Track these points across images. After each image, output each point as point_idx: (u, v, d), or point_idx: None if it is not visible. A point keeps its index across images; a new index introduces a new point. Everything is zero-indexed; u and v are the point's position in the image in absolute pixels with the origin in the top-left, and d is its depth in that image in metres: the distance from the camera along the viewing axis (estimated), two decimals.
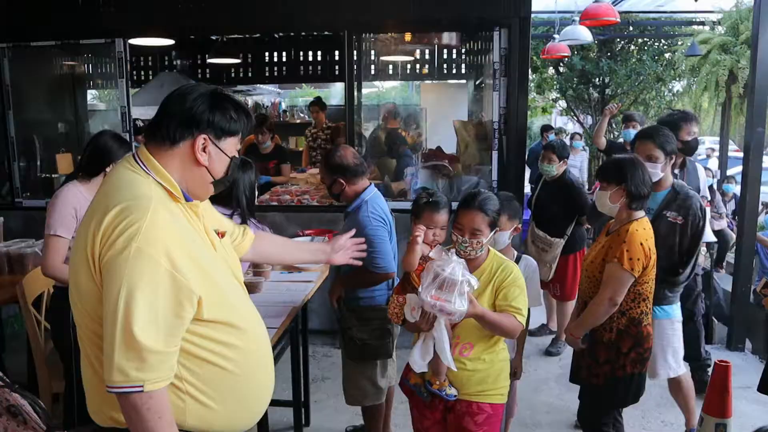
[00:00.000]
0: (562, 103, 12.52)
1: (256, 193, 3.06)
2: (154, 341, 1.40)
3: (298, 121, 9.46)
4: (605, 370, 2.65)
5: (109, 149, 2.86)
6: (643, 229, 2.58)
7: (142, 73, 8.15)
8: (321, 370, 4.38)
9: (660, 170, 2.99)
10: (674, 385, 3.32)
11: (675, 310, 3.12)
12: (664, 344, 3.09)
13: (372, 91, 10.72)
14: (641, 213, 2.66)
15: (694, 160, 4.04)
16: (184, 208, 1.58)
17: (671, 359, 3.12)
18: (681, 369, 3.20)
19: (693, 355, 3.90)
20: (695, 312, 3.70)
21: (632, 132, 5.57)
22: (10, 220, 4.58)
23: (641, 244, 2.53)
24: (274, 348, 2.19)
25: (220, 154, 1.57)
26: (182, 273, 1.44)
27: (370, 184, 3.07)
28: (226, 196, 2.42)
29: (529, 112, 6.30)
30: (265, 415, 2.70)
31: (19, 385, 1.81)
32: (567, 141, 9.58)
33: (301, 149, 8.11)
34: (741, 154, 6.06)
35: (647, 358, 2.68)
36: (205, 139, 1.53)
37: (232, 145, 1.59)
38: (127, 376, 1.39)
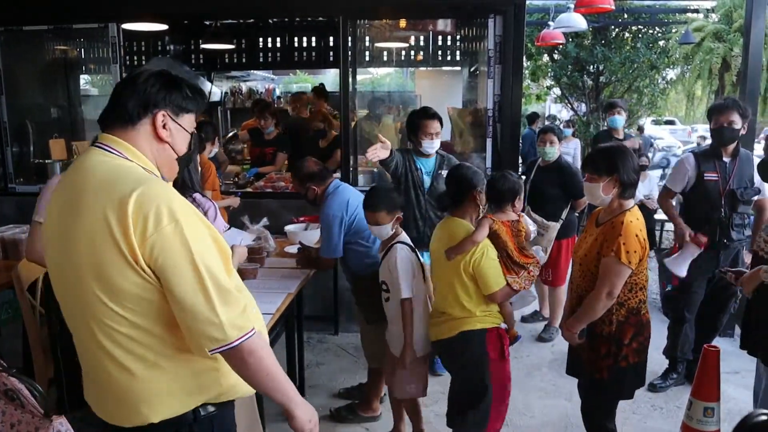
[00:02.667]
0: (557, 91, 12.51)
1: (195, 167, 3.11)
2: (239, 291, 1.48)
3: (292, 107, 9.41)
4: (608, 363, 2.60)
5: None
6: (636, 219, 2.53)
7: (135, 58, 8.08)
8: (315, 356, 4.42)
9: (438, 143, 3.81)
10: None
11: None
12: None
13: (366, 77, 10.66)
14: (631, 202, 2.61)
15: (747, 151, 3.85)
16: None
17: None
18: None
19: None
20: (685, 317, 3.89)
21: (618, 118, 5.61)
22: (3, 205, 4.57)
23: (636, 235, 2.49)
24: (269, 334, 2.21)
25: (180, 130, 1.58)
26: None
27: (334, 179, 3.50)
28: None
29: (523, 100, 6.32)
30: (260, 401, 2.73)
31: (17, 369, 1.83)
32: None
33: None
34: None
35: (647, 345, 2.66)
36: (164, 115, 1.54)
37: (189, 122, 1.61)
38: (241, 328, 1.43)
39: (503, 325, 2.82)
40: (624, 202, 2.58)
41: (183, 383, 1.54)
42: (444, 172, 3.82)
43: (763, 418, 1.35)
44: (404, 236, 3.07)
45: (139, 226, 1.37)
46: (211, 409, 1.59)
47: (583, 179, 2.70)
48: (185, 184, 2.72)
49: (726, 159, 3.67)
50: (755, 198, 3.69)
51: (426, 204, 3.88)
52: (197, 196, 2.84)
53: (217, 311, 1.40)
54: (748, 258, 3.55)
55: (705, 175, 3.67)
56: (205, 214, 2.71)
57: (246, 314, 1.47)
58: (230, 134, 7.96)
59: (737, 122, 3.54)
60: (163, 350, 1.49)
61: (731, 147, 3.64)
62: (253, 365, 1.47)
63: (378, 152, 3.57)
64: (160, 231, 1.38)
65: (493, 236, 2.72)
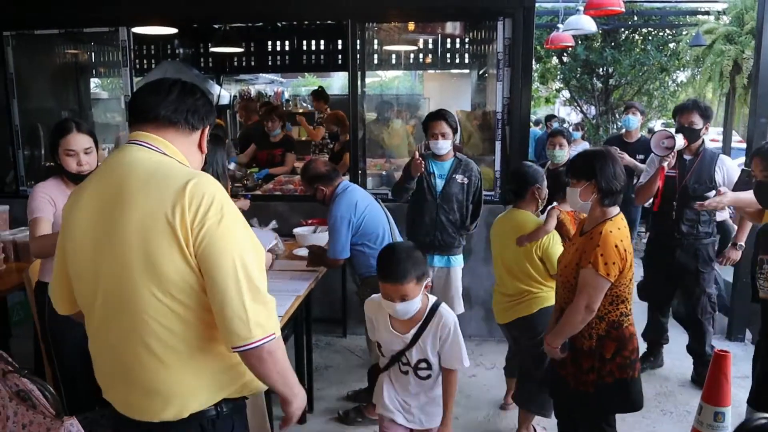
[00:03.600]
0: (566, 94, 12.47)
1: (227, 171, 3.03)
2: (267, 292, 1.54)
3: (301, 110, 9.45)
4: (592, 378, 2.48)
5: None
6: (617, 229, 2.40)
7: (145, 61, 8.13)
8: (323, 359, 4.42)
9: (449, 144, 3.80)
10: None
11: (461, 258, 3.92)
12: (458, 286, 3.90)
13: (374, 80, 10.69)
14: (616, 210, 2.48)
15: (713, 150, 4.00)
16: None
17: (461, 299, 3.93)
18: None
19: (699, 352, 3.97)
20: (706, 310, 3.96)
21: (631, 118, 5.58)
22: (15, 208, 4.60)
23: (616, 246, 2.36)
24: None
25: (205, 142, 1.74)
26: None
27: (343, 180, 3.51)
28: None
29: (532, 103, 6.29)
30: (269, 401, 2.74)
31: (28, 371, 1.84)
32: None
33: (303, 138, 8.13)
34: (744, 145, 6.04)
35: (635, 360, 2.51)
36: (206, 131, 1.71)
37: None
38: (264, 328, 1.48)
39: None
40: (606, 210, 2.46)
41: (213, 378, 1.59)
42: (459, 177, 3.80)
43: (762, 422, 1.35)
44: (432, 297, 2.52)
45: (191, 213, 1.45)
46: (230, 405, 1.65)
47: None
48: None
49: (687, 156, 3.83)
50: (711, 195, 3.71)
51: (438, 208, 3.79)
52: None
53: (246, 307, 1.46)
54: (736, 254, 4.00)
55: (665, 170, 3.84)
56: None
57: (272, 317, 1.53)
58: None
59: (698, 123, 3.73)
60: (199, 344, 1.54)
61: (695, 145, 3.80)
62: (269, 365, 1.53)
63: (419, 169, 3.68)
64: (210, 220, 1.46)
65: (559, 224, 3.11)
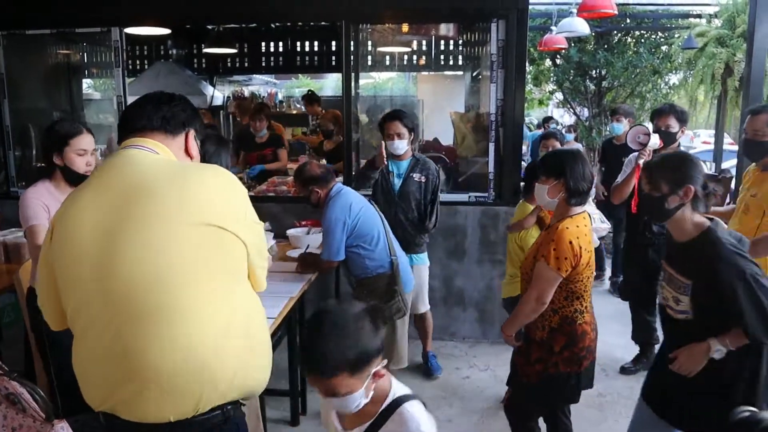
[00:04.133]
0: (559, 96, 12.50)
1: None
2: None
3: (294, 111, 9.44)
4: (537, 369, 2.55)
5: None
6: (575, 227, 2.44)
7: (138, 62, 8.11)
8: None
9: (405, 144, 3.84)
10: (421, 318, 4.11)
11: (426, 257, 4.05)
12: (423, 284, 4.00)
13: (368, 82, 10.68)
14: (580, 209, 2.53)
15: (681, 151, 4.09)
16: None
17: (426, 297, 4.06)
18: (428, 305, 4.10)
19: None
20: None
21: (616, 126, 5.59)
22: (5, 209, 4.56)
23: (570, 242, 2.40)
24: (272, 337, 2.20)
25: (195, 148, 1.81)
26: None
27: (337, 182, 3.50)
28: None
29: (525, 104, 6.31)
30: (263, 404, 2.73)
31: (18, 373, 1.82)
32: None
33: (292, 138, 8.13)
34: (736, 147, 6.07)
35: (584, 357, 2.55)
36: (193, 134, 1.79)
37: (197, 147, 1.83)
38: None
39: None
40: (570, 209, 2.51)
41: (238, 374, 1.60)
42: (416, 175, 3.87)
43: (746, 414, 1.37)
44: (396, 385, 1.70)
45: (221, 195, 1.59)
46: (235, 407, 1.67)
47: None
48: None
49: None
50: None
51: (396, 206, 3.86)
52: None
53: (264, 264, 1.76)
54: None
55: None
56: None
57: None
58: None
59: (674, 126, 3.83)
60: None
61: (671, 148, 3.88)
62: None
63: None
64: (238, 196, 1.65)
65: (541, 221, 3.43)
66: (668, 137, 3.81)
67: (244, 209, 1.65)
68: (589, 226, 2.55)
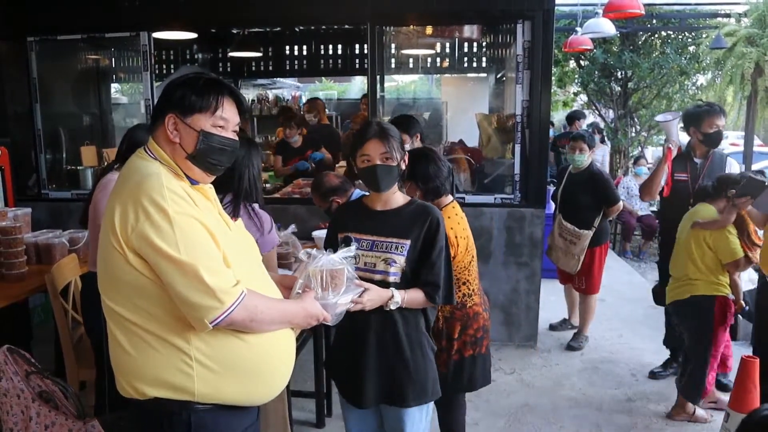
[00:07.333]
0: (583, 97, 12.36)
1: (259, 177, 2.83)
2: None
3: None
4: (444, 358, 2.65)
5: (144, 141, 2.90)
6: (447, 218, 2.51)
7: (165, 66, 8.21)
8: None
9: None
10: None
11: None
12: None
13: (391, 84, 10.66)
14: (448, 198, 2.68)
15: (722, 151, 4.05)
16: (193, 189, 1.67)
17: None
18: None
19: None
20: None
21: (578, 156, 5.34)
22: (37, 211, 4.65)
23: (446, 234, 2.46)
24: (297, 339, 2.21)
25: (187, 129, 1.64)
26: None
27: (355, 189, 3.48)
28: (228, 179, 2.36)
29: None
30: (289, 405, 2.73)
31: (50, 372, 1.85)
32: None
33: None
34: (766, 149, 5.95)
35: (482, 337, 2.71)
36: (172, 117, 1.64)
37: (201, 121, 1.65)
38: (232, 294, 1.54)
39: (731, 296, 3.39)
40: (438, 201, 2.63)
41: (170, 372, 1.59)
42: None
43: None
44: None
45: (128, 219, 1.52)
46: (201, 408, 1.62)
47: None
48: (248, 193, 2.57)
49: (698, 160, 3.85)
50: None
51: None
52: (256, 206, 2.71)
53: (206, 281, 1.50)
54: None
55: (675, 175, 3.86)
56: (262, 226, 2.67)
57: (231, 281, 1.56)
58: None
59: (723, 126, 3.82)
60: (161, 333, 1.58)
61: (704, 148, 3.84)
62: (263, 315, 1.62)
63: None
64: (140, 224, 1.51)
65: (740, 220, 3.35)
66: (720, 137, 3.82)
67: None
68: (460, 214, 2.67)
